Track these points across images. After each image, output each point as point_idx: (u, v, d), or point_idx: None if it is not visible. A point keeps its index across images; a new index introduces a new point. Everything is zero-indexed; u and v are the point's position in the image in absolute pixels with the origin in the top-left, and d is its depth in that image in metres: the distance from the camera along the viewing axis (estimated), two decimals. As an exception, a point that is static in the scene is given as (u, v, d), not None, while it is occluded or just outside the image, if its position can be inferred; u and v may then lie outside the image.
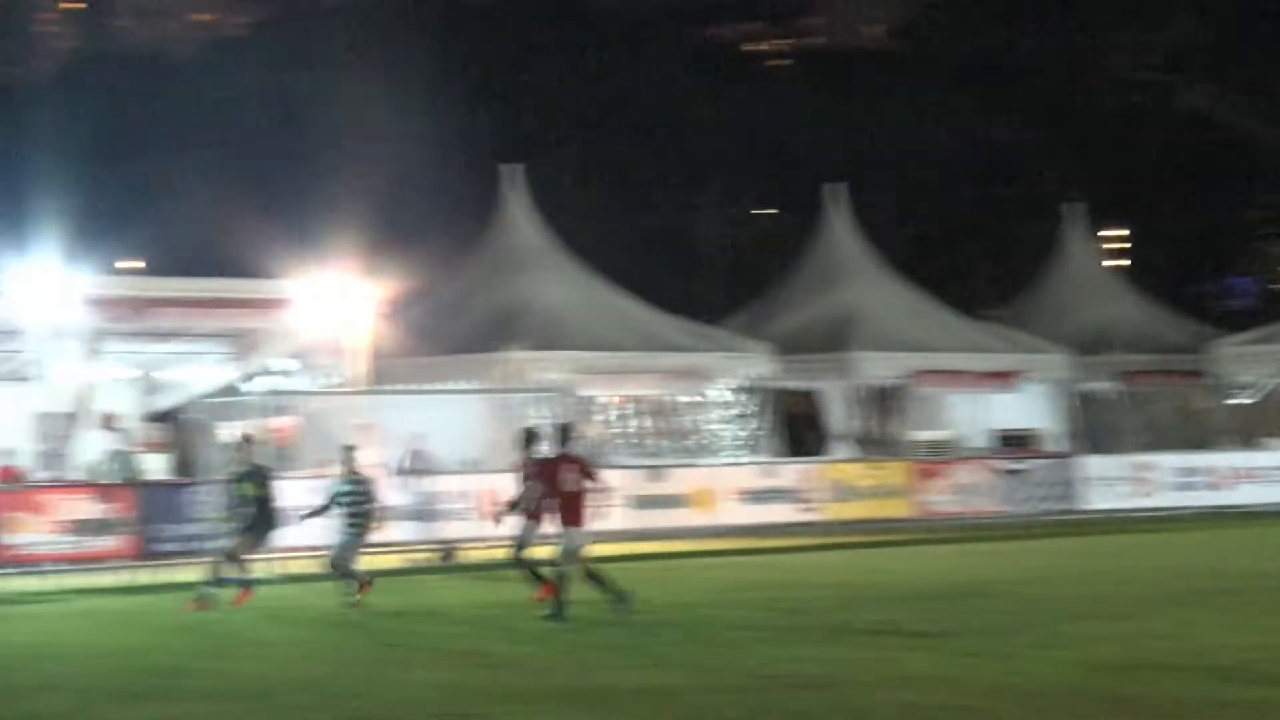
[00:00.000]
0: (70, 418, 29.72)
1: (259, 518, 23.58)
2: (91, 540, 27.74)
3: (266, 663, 17.93)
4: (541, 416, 34.11)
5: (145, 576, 27.59)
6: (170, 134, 77.88)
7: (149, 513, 28.53)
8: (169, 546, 28.65)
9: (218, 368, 35.79)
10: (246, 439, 28.08)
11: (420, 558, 30.67)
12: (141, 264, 64.44)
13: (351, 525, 23.03)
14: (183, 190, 72.65)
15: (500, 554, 30.76)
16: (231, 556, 23.65)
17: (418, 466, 31.03)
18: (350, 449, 23.91)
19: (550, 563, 21.30)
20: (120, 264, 65.89)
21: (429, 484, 30.66)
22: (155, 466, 32.35)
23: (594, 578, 20.92)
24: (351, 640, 19.87)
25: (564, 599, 20.54)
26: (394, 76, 67.87)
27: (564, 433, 21.68)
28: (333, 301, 32.63)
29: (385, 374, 35.42)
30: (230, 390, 33.52)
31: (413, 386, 35.25)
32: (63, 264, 31.06)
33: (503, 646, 18.82)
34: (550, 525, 21.40)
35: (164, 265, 55.89)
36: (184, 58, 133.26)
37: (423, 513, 30.54)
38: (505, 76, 68.10)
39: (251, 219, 61.18)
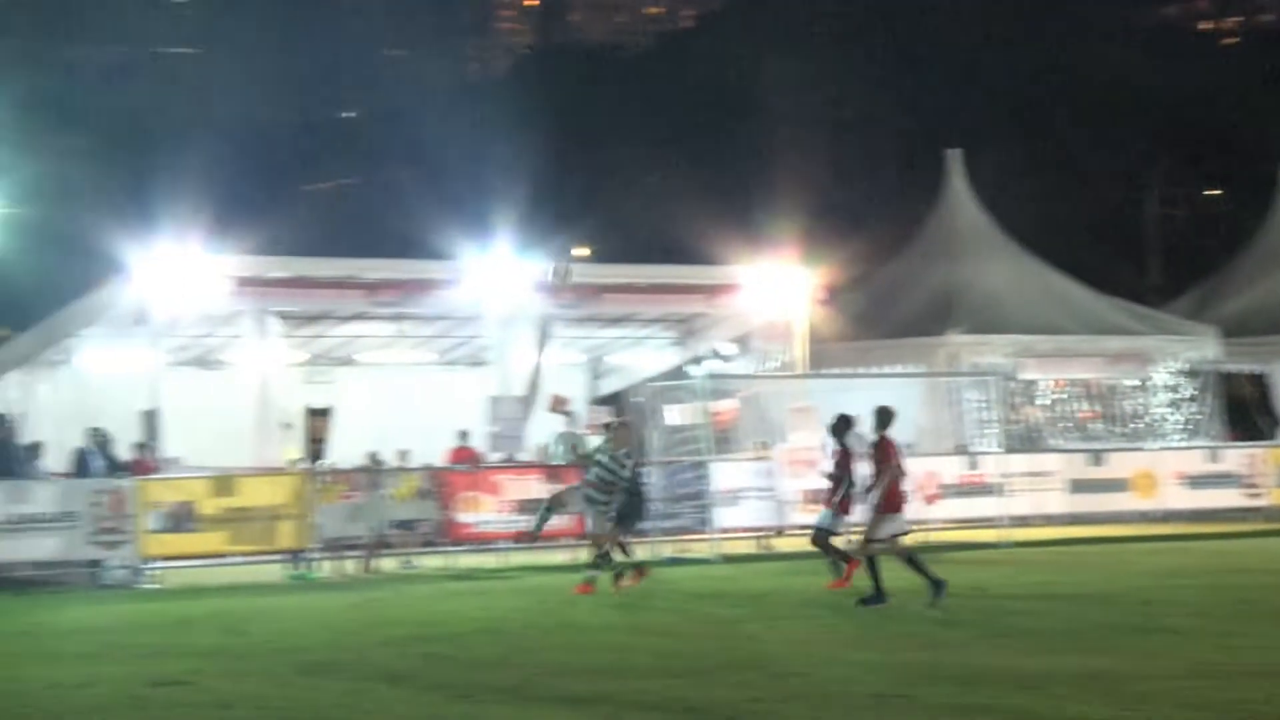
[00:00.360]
0: (522, 401, 30.72)
1: (630, 502, 23.90)
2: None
3: (708, 640, 18.32)
4: (980, 400, 34.02)
5: (586, 555, 28.47)
6: (621, 125, 79.61)
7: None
8: (614, 526, 29.40)
9: (663, 352, 36.66)
10: (621, 423, 28.84)
11: (856, 538, 30.89)
12: (588, 251, 66.17)
13: (596, 500, 23.40)
14: (631, 179, 74.30)
15: (936, 536, 30.96)
16: (607, 540, 23.95)
17: (855, 450, 31.18)
18: (616, 425, 24.27)
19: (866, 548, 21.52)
20: (572, 252, 67.86)
21: (866, 467, 30.74)
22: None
23: (913, 563, 21.06)
24: (787, 620, 20.17)
25: (879, 582, 20.90)
26: (835, 65, 68.02)
27: (883, 417, 21.83)
28: (774, 287, 33.01)
29: (823, 358, 35.70)
30: (675, 374, 34.25)
31: (851, 370, 35.41)
32: (517, 252, 32.18)
33: (938, 628, 18.86)
34: (862, 510, 21.75)
35: (612, 253, 57.36)
36: (635, 50, 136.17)
37: (858, 494, 30.62)
38: (949, 62, 67.60)
39: (697, 207, 62.20)
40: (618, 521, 23.69)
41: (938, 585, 20.61)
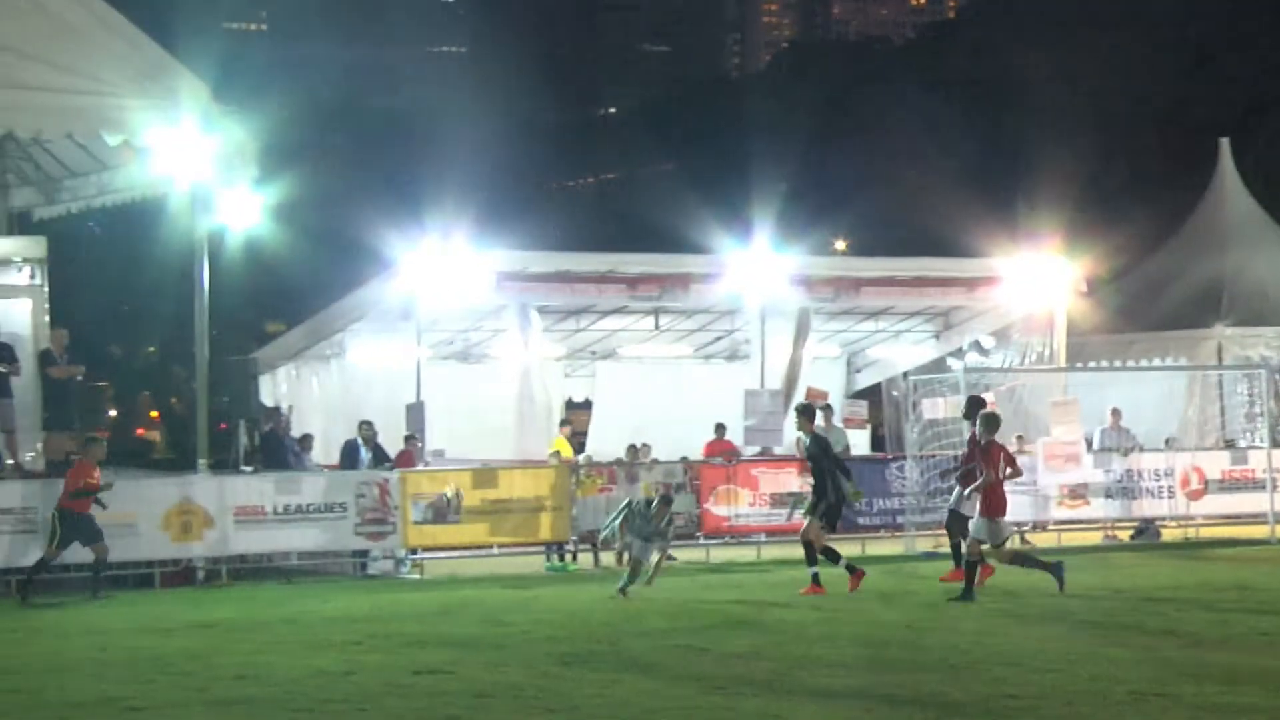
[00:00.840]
0: (779, 394, 30.75)
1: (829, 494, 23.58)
2: (797, 513, 28.57)
3: (962, 635, 18.17)
4: (1247, 394, 33.23)
5: (845, 549, 28.43)
6: (881, 117, 79.25)
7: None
8: (869, 520, 29.37)
9: (921, 345, 36.42)
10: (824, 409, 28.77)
11: (1123, 535, 30.43)
12: (843, 244, 66.01)
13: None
14: (891, 172, 73.95)
15: (1201, 533, 30.33)
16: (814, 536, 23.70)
17: (1117, 443, 30.73)
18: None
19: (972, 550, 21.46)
20: (831, 244, 67.77)
21: (1128, 461, 30.31)
22: (857, 442, 33.19)
23: (1024, 561, 21.79)
24: (1044, 616, 19.92)
25: (973, 582, 21.05)
26: (1099, 54, 66.88)
27: (989, 422, 21.86)
28: (1035, 279, 32.60)
29: (1084, 351, 35.20)
30: (933, 367, 34.01)
31: (1113, 364, 34.86)
32: (775, 245, 32.22)
33: (1200, 626, 18.52)
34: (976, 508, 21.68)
35: (871, 245, 57.12)
36: (897, 42, 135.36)
37: (1122, 490, 30.21)
38: (1217, 48, 66.11)
39: (958, 198, 61.69)
40: (819, 513, 23.46)
41: (1056, 570, 21.29)
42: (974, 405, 23.54)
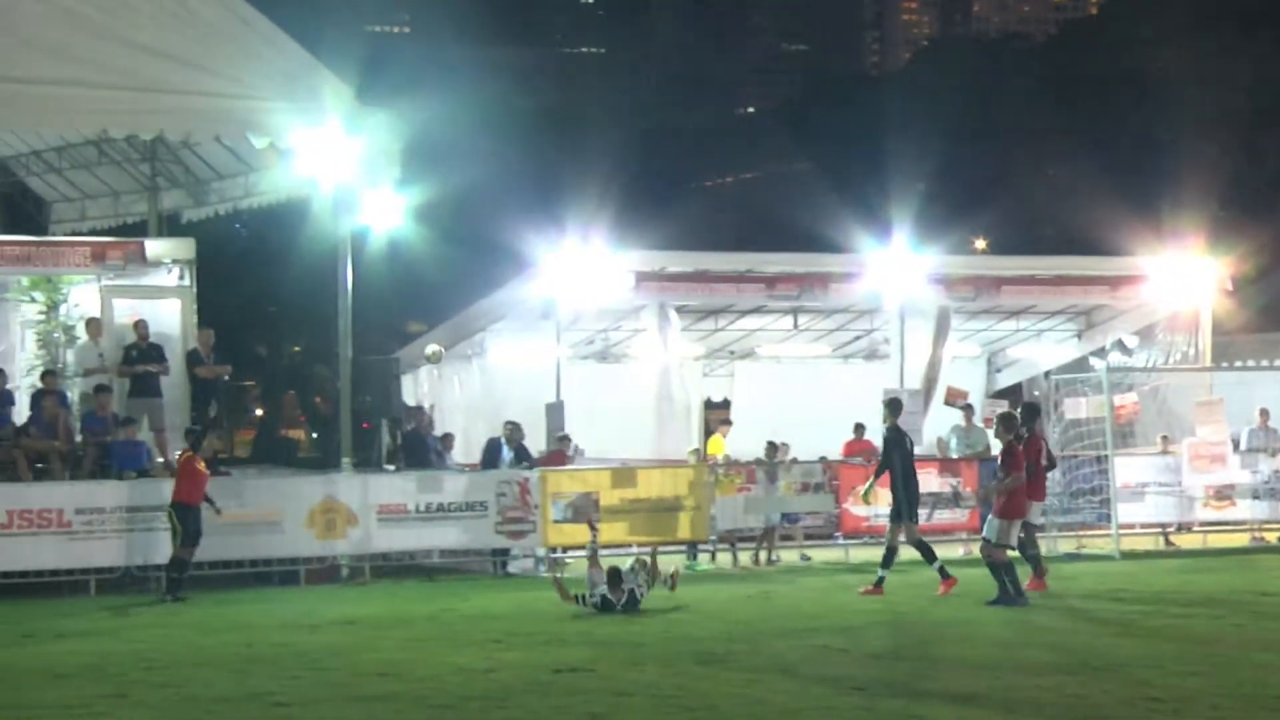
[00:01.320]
0: (918, 394, 30.58)
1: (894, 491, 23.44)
2: (938, 513, 28.55)
3: (1104, 638, 18.10)
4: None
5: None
6: (1022, 115, 78.54)
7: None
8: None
9: (1063, 344, 36.08)
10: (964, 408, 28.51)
11: (1271, 537, 29.99)
12: (983, 243, 65.49)
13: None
14: (1032, 170, 73.28)
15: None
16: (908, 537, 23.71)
17: (1264, 444, 30.28)
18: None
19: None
20: (971, 243, 67.29)
21: (1276, 462, 29.85)
22: (998, 442, 32.86)
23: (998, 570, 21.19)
24: (1189, 619, 19.71)
25: (1013, 585, 21.02)
26: (1246, 49, 65.89)
27: (1006, 422, 21.78)
28: (1179, 278, 32.19)
29: (1230, 350, 34.71)
30: (1076, 367, 33.69)
31: (1259, 363, 34.34)
32: (914, 244, 32.05)
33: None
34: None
35: (1012, 244, 56.68)
36: (1039, 39, 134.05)
37: (1269, 491, 29.76)
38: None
39: (1100, 196, 60.99)
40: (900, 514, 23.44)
41: (1017, 598, 20.85)
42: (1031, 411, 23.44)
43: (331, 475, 25.59)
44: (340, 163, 25.24)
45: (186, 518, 23.02)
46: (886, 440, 23.54)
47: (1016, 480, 21.31)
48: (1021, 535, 22.11)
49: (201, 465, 23.44)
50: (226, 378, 28.22)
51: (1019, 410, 23.18)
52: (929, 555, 22.94)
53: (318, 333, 49.82)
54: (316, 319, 45.02)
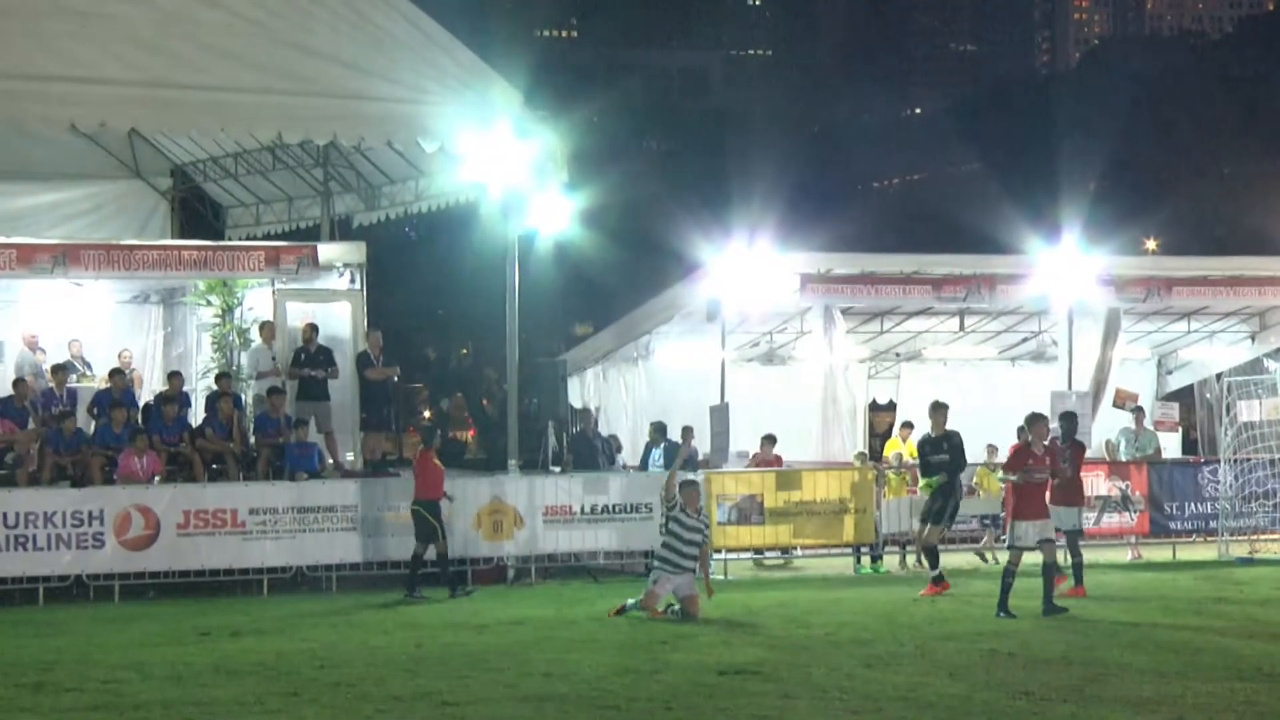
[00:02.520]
0: (1086, 396, 30.24)
1: (944, 494, 23.37)
2: (1107, 517, 28.25)
3: (1276, 643, 17.86)
4: None
5: (1156, 554, 27.95)
6: (1196, 113, 77.46)
7: (1162, 490, 28.78)
8: (1180, 525, 28.79)
9: (1236, 346, 35.47)
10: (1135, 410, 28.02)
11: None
12: (1154, 243, 64.57)
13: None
14: (1205, 168, 72.24)
15: None
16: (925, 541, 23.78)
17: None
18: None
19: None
20: (1142, 244, 66.43)
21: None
22: (1169, 445, 32.49)
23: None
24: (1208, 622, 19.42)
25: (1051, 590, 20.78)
26: None
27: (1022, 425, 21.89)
28: (1358, 278, 31.58)
29: None
30: (1249, 369, 33.11)
31: None
32: (1083, 245, 31.69)
33: None
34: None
35: (1184, 244, 55.89)
36: (1215, 35, 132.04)
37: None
38: None
39: (1275, 194, 59.98)
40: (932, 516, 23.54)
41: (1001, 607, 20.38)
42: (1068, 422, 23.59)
43: (499, 477, 25.82)
44: (509, 166, 25.45)
45: (435, 513, 23.47)
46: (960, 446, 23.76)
47: (1025, 477, 20.99)
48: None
49: (437, 460, 23.94)
50: (395, 379, 28.55)
51: (1061, 419, 23.41)
52: (935, 561, 23.28)
53: (486, 335, 50.30)
54: (484, 322, 45.49)
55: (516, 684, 15.66)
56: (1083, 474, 24.30)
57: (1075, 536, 23.14)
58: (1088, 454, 29.38)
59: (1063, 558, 22.61)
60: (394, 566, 24.42)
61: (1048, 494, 21.79)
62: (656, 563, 21.23)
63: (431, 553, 23.52)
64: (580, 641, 18.55)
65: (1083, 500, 24.10)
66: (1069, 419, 23.60)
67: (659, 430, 28.46)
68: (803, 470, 27.44)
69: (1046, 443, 21.41)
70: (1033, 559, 20.93)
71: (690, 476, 23.57)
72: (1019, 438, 28.98)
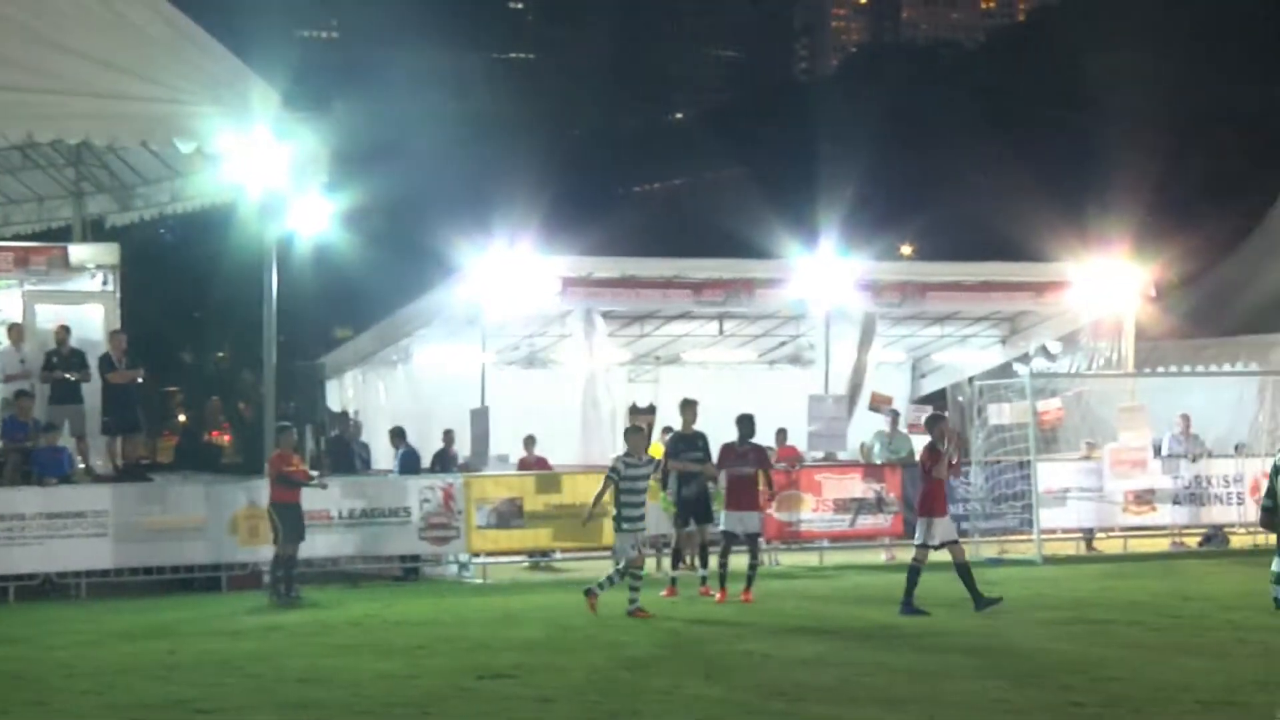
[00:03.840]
0: (843, 400, 30.70)
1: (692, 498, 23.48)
2: (861, 519, 28.67)
3: (1029, 642, 18.29)
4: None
5: (910, 555, 28.34)
6: (950, 121, 79.04)
7: (915, 493, 29.20)
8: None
9: (988, 350, 36.27)
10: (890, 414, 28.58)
11: (1191, 542, 30.24)
12: (910, 249, 65.78)
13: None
14: (960, 176, 73.74)
15: (1264, 540, 30.00)
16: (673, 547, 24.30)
17: (1185, 449, 30.53)
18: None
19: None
20: (898, 249, 67.63)
21: (1197, 467, 30.12)
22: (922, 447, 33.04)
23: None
24: (1112, 624, 19.82)
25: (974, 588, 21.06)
26: (1173, 57, 66.52)
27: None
28: (1104, 284, 32.40)
29: (1154, 356, 34.95)
30: (1000, 373, 33.87)
31: (1182, 369, 34.61)
32: (842, 250, 32.16)
33: (1269, 634, 18.29)
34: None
35: (938, 250, 56.84)
36: (968, 45, 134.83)
37: (1190, 496, 30.03)
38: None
39: (1026, 203, 61.45)
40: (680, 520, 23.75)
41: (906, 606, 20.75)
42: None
43: (255, 481, 25.43)
44: (267, 168, 25.08)
45: (286, 515, 23.13)
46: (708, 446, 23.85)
47: (939, 473, 21.42)
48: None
49: (296, 461, 23.75)
50: (140, 381, 27.96)
51: (739, 421, 23.33)
52: (676, 563, 24.00)
53: (243, 338, 49.56)
54: (242, 324, 44.80)
55: (272, 690, 15.45)
56: (830, 476, 24.53)
57: (755, 539, 23.27)
58: (843, 456, 29.93)
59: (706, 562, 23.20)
60: (147, 573, 23.96)
61: (735, 498, 22.44)
62: (625, 525, 21.29)
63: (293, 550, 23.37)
64: (337, 646, 18.35)
65: (760, 505, 23.94)
66: (745, 422, 23.35)
67: (398, 435, 28.37)
68: (563, 473, 27.44)
69: (946, 444, 21.66)
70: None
71: (636, 424, 23.60)
72: (778, 441, 29.49)
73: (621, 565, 21.18)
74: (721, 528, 22.89)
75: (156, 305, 47.32)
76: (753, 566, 22.84)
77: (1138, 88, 67.70)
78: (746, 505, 22.71)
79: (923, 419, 22.86)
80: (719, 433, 23.88)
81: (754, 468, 22.84)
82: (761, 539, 26.82)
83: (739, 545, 22.79)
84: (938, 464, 21.27)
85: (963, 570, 21.25)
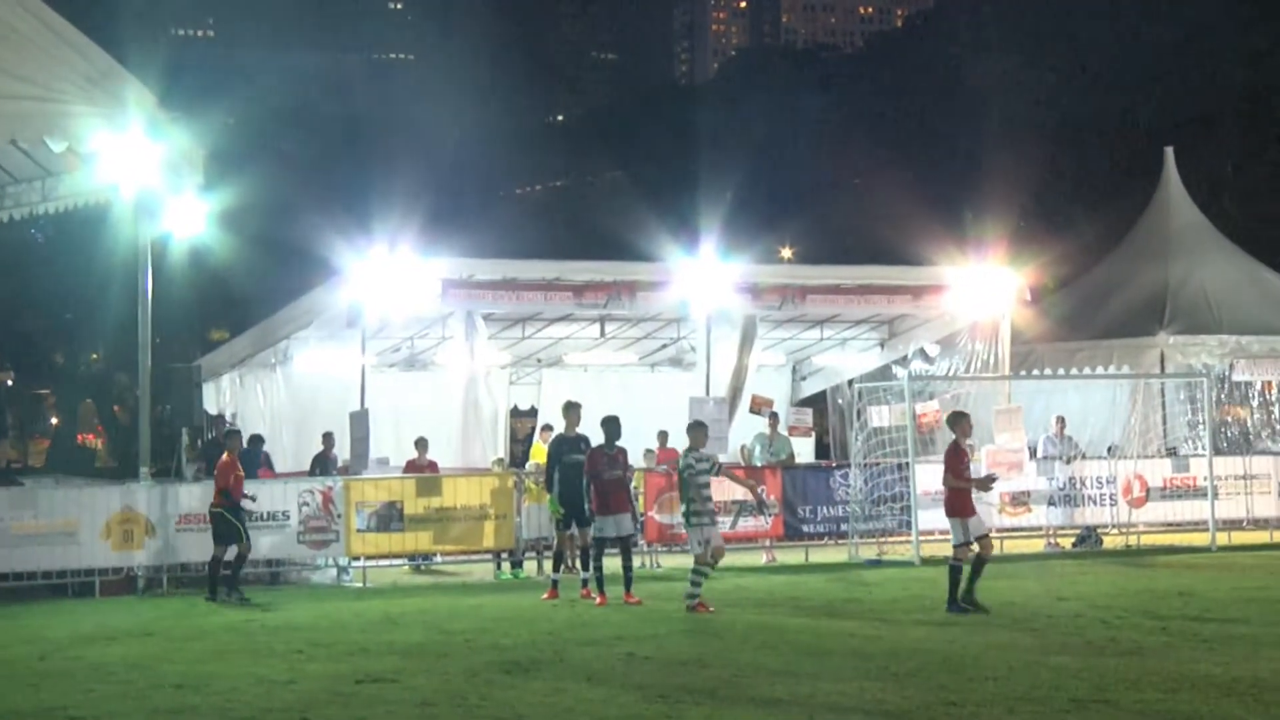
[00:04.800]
0: (724, 402, 30.79)
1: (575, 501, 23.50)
2: (741, 521, 28.76)
3: (906, 642, 18.32)
4: (1190, 402, 33.43)
5: (790, 557, 28.55)
6: (830, 126, 79.49)
7: (796, 494, 29.41)
8: (813, 528, 29.46)
9: (867, 353, 36.53)
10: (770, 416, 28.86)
11: (1065, 543, 30.55)
12: (790, 252, 66.17)
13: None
14: (839, 180, 74.21)
15: (1137, 540, 30.46)
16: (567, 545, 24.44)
17: (1060, 451, 30.85)
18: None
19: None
20: (778, 252, 67.95)
21: (1071, 469, 30.46)
22: (802, 450, 33.25)
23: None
24: (987, 624, 20.00)
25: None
26: (1048, 64, 67.31)
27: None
28: (981, 288, 32.70)
29: (1029, 359, 35.37)
30: (879, 375, 34.11)
31: (1057, 372, 35.03)
32: (722, 253, 32.22)
33: (1143, 634, 18.63)
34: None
35: (818, 253, 57.27)
36: (847, 51, 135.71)
37: (1065, 497, 30.36)
38: (1164, 56, 66.46)
39: (905, 207, 61.91)
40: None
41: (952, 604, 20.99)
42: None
43: (129, 485, 25.13)
44: (142, 168, 24.76)
45: (239, 516, 23.57)
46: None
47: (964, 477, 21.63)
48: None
49: (240, 465, 24.10)
50: (10, 384, 27.58)
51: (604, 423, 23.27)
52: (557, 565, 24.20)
53: (117, 340, 49.04)
54: (116, 326, 44.31)
55: (147, 696, 15.25)
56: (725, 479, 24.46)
57: (628, 541, 23.26)
58: (724, 458, 29.96)
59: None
60: (17, 578, 23.59)
61: (605, 502, 22.47)
62: (693, 519, 21.66)
63: (232, 553, 23.43)
64: (214, 652, 18.15)
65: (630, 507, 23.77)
66: (611, 424, 23.16)
67: (256, 440, 28.18)
68: (443, 476, 27.33)
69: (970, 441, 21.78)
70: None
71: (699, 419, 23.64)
72: (660, 442, 29.53)
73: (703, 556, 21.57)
74: (594, 534, 22.84)
75: (29, 307, 46.69)
76: (628, 568, 22.82)
77: (1013, 95, 68.39)
78: (617, 508, 22.68)
79: (944, 418, 22.93)
80: (601, 435, 23.90)
81: (623, 470, 22.83)
82: (641, 540, 27.00)
83: (612, 549, 22.83)
84: (964, 463, 21.43)
85: (962, 571, 21.30)
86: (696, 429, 22.48)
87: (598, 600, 22.42)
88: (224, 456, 23.99)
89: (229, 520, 23.45)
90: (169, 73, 29.11)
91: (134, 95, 24.63)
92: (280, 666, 16.95)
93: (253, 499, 24.26)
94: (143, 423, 25.81)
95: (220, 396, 31.77)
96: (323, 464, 28.68)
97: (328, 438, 28.87)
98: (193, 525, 24.67)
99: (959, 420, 22.10)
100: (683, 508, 21.92)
